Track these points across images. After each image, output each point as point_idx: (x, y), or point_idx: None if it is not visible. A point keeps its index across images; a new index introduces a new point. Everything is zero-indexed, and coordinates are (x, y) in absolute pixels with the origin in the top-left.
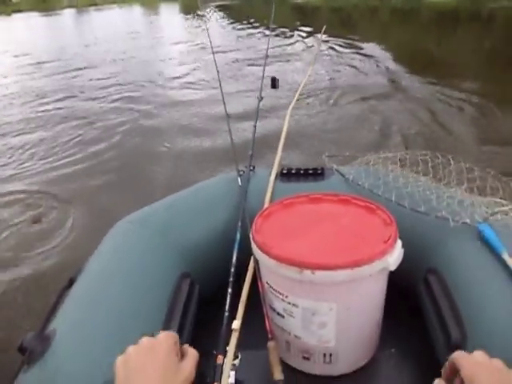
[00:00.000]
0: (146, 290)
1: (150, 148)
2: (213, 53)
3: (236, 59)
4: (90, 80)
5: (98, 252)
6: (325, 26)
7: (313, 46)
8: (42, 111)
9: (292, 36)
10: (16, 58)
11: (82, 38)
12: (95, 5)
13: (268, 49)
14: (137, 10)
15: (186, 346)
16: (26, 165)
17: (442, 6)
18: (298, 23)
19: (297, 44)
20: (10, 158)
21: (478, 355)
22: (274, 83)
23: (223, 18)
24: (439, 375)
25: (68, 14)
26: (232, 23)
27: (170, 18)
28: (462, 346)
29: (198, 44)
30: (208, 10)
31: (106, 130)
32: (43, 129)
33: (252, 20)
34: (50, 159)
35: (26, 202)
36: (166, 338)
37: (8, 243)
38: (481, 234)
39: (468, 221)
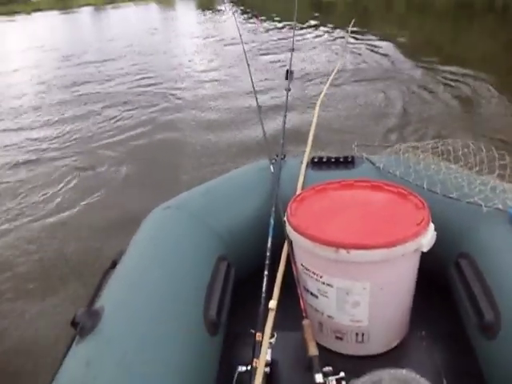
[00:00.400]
0: (185, 273)
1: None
2: (244, 51)
3: (258, 49)
4: (119, 69)
5: (138, 236)
6: (354, 20)
7: (335, 39)
8: (78, 95)
9: (314, 28)
10: (44, 52)
11: (103, 33)
12: (112, 2)
13: (293, 42)
14: (153, 8)
15: None
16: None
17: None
18: (317, 15)
19: (318, 37)
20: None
21: None
22: (287, 75)
23: (239, 12)
24: (469, 357)
25: (86, 11)
26: (248, 18)
27: (187, 13)
28: (495, 326)
29: (218, 37)
30: (224, 7)
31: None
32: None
33: (273, 15)
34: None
35: None
36: None
37: None
38: None
39: (500, 206)
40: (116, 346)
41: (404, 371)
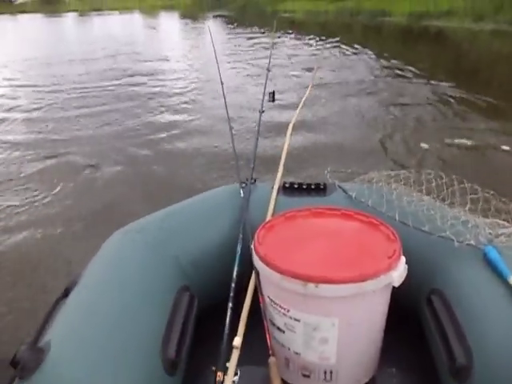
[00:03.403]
0: (143, 304)
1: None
2: (218, 68)
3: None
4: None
5: (94, 262)
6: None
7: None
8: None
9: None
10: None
11: (81, 36)
12: (98, 10)
13: (269, 63)
14: (137, 17)
15: None
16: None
17: (396, 24)
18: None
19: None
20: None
21: None
22: (273, 97)
23: (221, 25)
24: None
25: (71, 16)
26: (230, 31)
27: (170, 23)
28: (467, 371)
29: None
30: (206, 20)
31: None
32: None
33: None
34: None
35: None
36: None
37: None
38: (486, 256)
39: (473, 242)
40: None
41: None
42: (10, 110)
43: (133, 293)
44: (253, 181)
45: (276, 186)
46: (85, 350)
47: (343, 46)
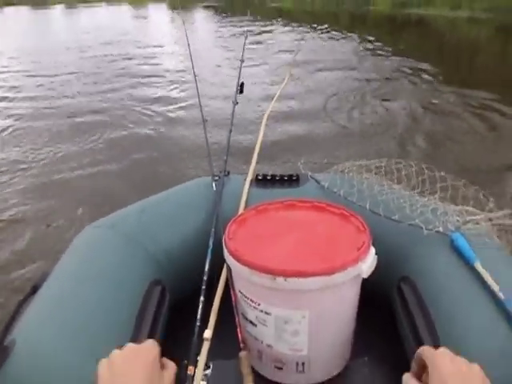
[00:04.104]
0: (114, 298)
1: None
2: (191, 59)
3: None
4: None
5: (64, 257)
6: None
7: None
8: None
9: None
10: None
11: (79, 27)
12: (85, 2)
13: (243, 54)
14: (125, 8)
15: (164, 358)
16: None
17: (381, 12)
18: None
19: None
20: None
21: (442, 349)
22: (242, 88)
23: (210, 15)
24: None
25: (59, 8)
26: (219, 20)
27: (159, 14)
28: None
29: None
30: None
31: None
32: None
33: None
34: None
35: None
36: (152, 347)
37: None
38: (453, 242)
39: (441, 229)
40: None
41: None
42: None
43: (103, 288)
44: (226, 173)
45: (249, 179)
46: (49, 347)
47: (332, 32)
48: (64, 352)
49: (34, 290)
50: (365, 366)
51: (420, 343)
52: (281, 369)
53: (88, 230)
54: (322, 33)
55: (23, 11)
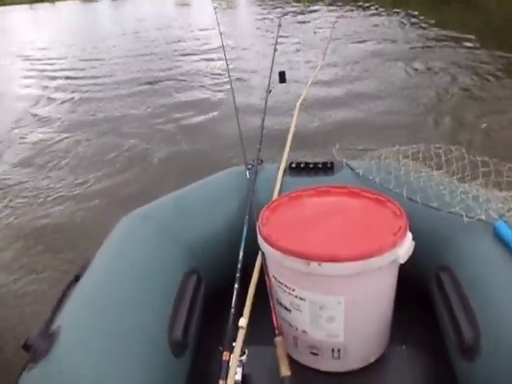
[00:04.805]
0: (151, 288)
1: None
2: (224, 54)
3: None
4: None
5: (103, 248)
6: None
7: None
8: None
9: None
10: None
11: (130, 17)
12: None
13: (276, 42)
14: None
15: None
16: None
17: None
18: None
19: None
20: None
21: None
22: (284, 77)
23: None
24: (449, 372)
25: (105, 1)
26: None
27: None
28: (474, 349)
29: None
30: None
31: None
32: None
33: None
34: None
35: None
36: None
37: None
38: (496, 231)
39: (483, 217)
40: (71, 372)
41: None
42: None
43: (140, 278)
44: (259, 162)
45: (282, 167)
46: (93, 334)
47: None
48: (104, 341)
49: (77, 278)
50: (402, 354)
51: (460, 335)
52: (316, 355)
53: (124, 221)
54: (365, 10)
55: (73, 6)
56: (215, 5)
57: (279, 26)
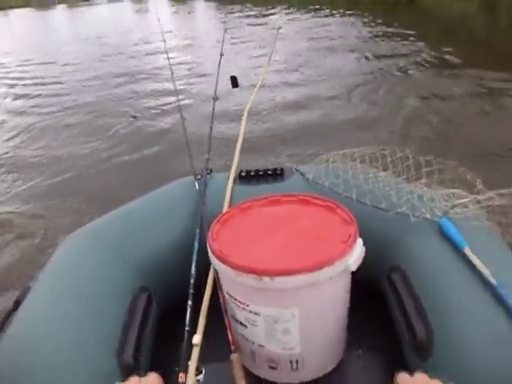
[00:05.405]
0: (98, 310)
1: None
2: (168, 59)
3: None
4: None
5: (46, 270)
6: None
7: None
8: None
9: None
10: None
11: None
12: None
13: (222, 47)
14: (127, 3)
15: None
16: None
17: None
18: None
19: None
20: None
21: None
22: (236, 82)
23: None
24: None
25: (60, 8)
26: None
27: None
28: (428, 347)
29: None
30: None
31: None
32: None
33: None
34: None
35: None
36: (155, 380)
37: None
38: (441, 228)
39: (428, 216)
40: None
41: None
42: None
43: (87, 298)
44: (209, 171)
45: (232, 176)
46: (37, 358)
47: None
48: (46, 372)
49: (17, 305)
50: (359, 359)
51: (413, 333)
52: (275, 368)
53: (69, 240)
54: (316, 11)
55: (30, 13)
56: (173, 10)
57: (225, 32)
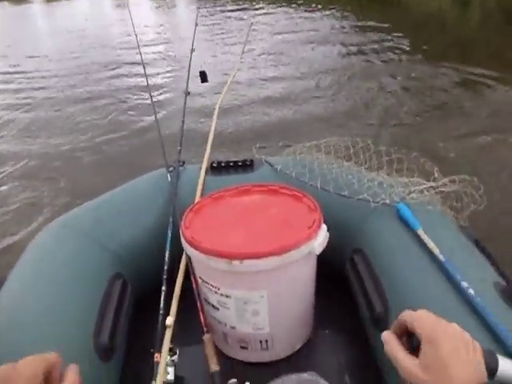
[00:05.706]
0: (75, 295)
1: None
2: (140, 54)
3: None
4: None
5: (23, 259)
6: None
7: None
8: None
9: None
10: None
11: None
12: None
13: (193, 43)
14: None
15: (71, 366)
16: None
17: None
18: None
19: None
20: None
21: (424, 312)
22: (205, 77)
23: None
24: (370, 351)
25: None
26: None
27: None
28: (384, 318)
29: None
30: None
31: None
32: None
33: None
34: None
35: None
36: (28, 367)
37: None
38: (399, 212)
39: (387, 201)
40: None
41: (306, 374)
42: None
43: (63, 286)
44: (181, 163)
45: (204, 167)
46: (14, 343)
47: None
48: (26, 350)
49: None
50: (326, 338)
51: (371, 308)
52: (246, 348)
53: (45, 231)
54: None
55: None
56: (155, 5)
57: (196, 25)
